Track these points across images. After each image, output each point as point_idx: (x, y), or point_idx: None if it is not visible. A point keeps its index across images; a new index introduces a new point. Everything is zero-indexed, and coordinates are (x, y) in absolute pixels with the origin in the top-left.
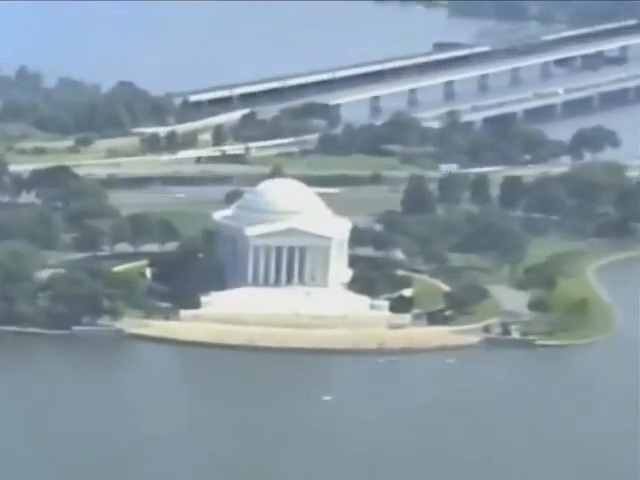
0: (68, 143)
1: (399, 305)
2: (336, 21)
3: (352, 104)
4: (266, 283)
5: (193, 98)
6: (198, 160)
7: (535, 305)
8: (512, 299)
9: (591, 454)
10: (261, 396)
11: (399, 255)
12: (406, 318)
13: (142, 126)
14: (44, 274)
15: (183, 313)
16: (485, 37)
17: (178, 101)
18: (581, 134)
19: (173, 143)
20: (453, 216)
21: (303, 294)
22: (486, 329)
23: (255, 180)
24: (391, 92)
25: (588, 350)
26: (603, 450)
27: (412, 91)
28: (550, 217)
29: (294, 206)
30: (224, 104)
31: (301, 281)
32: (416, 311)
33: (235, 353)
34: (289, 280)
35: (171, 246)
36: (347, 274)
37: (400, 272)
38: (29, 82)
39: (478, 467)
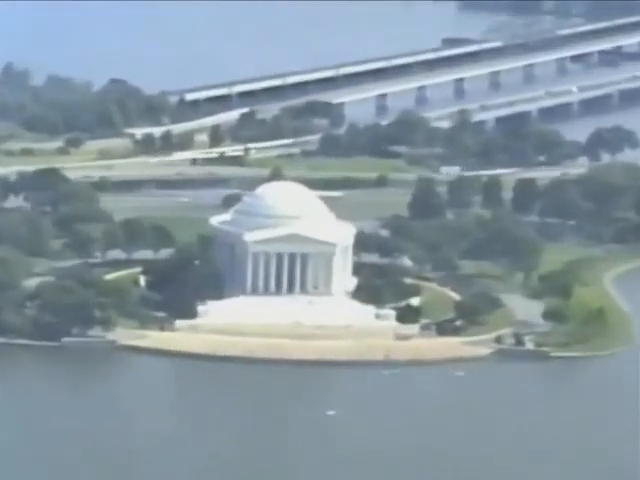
0: (57, 144)
1: (406, 315)
2: (339, 16)
3: (356, 102)
4: (266, 292)
5: (189, 97)
6: (194, 162)
7: (550, 315)
8: (526, 308)
9: (614, 475)
10: (261, 411)
11: (406, 262)
12: (414, 328)
13: (135, 126)
14: (32, 282)
15: (179, 323)
16: (497, 32)
17: (173, 100)
18: (599, 134)
19: (168, 144)
20: (463, 221)
21: (305, 303)
22: (498, 340)
23: (254, 183)
24: (398, 90)
25: (607, 362)
26: (626, 471)
27: (420, 89)
28: (566, 222)
29: (295, 210)
30: (222, 103)
31: (303, 289)
32: (424, 321)
33: (233, 365)
34: (290, 288)
35: (166, 253)
36: (351, 282)
37: (407, 280)
38: (16, 80)
39: None
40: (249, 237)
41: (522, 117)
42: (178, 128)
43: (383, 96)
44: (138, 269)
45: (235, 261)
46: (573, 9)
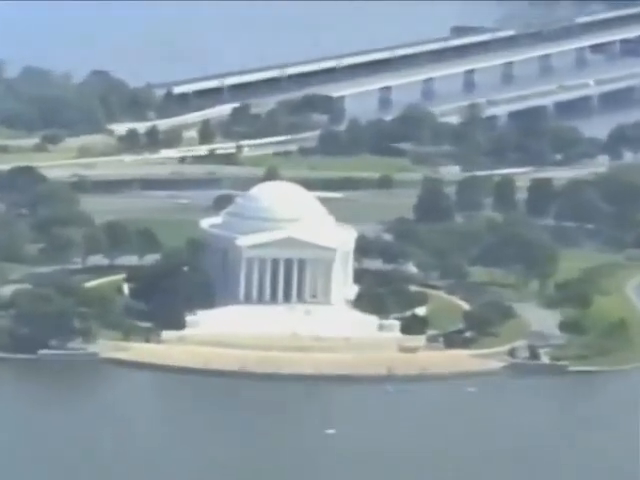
0: (34, 141)
1: (411, 326)
2: (339, 4)
3: (358, 96)
4: (260, 300)
5: (177, 89)
6: (182, 160)
7: (567, 326)
8: (541, 319)
9: None
10: (254, 430)
11: (412, 269)
12: (420, 340)
13: (119, 121)
14: (6, 290)
15: (165, 334)
16: (510, 20)
17: (160, 93)
18: (620, 130)
19: (154, 141)
20: (473, 224)
21: (302, 313)
22: (511, 353)
23: (248, 183)
24: (403, 83)
25: (628, 377)
26: None
27: (427, 81)
28: (584, 225)
29: (292, 213)
30: (212, 96)
31: (300, 298)
32: (431, 332)
33: (225, 380)
34: (287, 297)
35: (152, 258)
36: (352, 290)
37: (413, 288)
38: None
39: None
40: (242, 241)
41: (537, 112)
42: (165, 124)
43: (387, 89)
44: (122, 276)
45: (227, 267)
46: None
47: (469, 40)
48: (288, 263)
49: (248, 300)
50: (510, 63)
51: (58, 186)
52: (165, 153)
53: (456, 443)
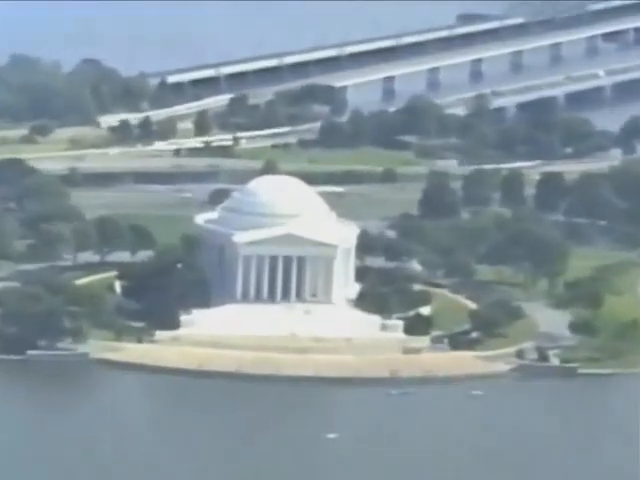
0: (22, 132)
1: (415, 326)
2: None
3: (361, 86)
4: (258, 299)
5: (172, 79)
6: (177, 153)
7: (578, 326)
8: (550, 319)
9: None
10: (251, 434)
11: (416, 267)
12: (424, 341)
13: (111, 112)
14: None
15: (159, 334)
16: (519, 7)
17: (154, 82)
18: (634, 123)
19: (148, 132)
20: (480, 220)
21: (302, 312)
22: (519, 355)
23: (245, 177)
24: (407, 72)
25: None
26: None
27: (432, 71)
28: (596, 222)
29: (291, 208)
30: (209, 86)
31: (299, 297)
32: (436, 333)
33: (221, 382)
34: (285, 296)
35: (145, 255)
36: (354, 289)
37: (417, 287)
38: None
39: None
40: (239, 238)
41: (547, 103)
42: (159, 114)
43: (391, 79)
44: (113, 273)
45: (223, 265)
46: None
47: (476, 28)
48: (287, 260)
49: (245, 299)
50: (519, 52)
51: (48, 179)
52: (159, 145)
53: (461, 449)
